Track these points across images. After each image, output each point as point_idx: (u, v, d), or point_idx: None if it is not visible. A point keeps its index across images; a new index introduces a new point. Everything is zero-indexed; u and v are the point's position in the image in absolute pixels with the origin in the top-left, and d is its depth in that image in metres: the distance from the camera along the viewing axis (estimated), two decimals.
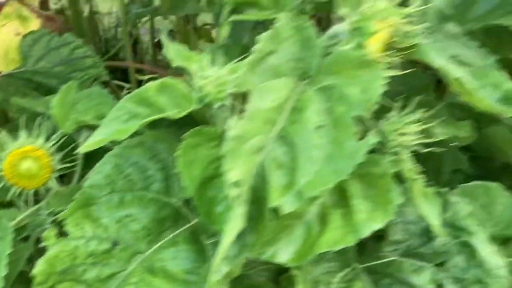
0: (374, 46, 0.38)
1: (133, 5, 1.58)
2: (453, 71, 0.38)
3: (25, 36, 0.70)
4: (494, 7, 0.59)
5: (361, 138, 0.34)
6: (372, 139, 0.34)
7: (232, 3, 0.44)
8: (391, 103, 0.41)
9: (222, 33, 0.44)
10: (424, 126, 0.41)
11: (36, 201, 0.54)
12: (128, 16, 1.36)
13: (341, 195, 0.38)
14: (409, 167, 0.40)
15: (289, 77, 0.37)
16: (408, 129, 0.40)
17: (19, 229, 0.51)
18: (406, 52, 0.40)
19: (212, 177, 0.38)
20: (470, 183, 0.48)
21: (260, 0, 0.45)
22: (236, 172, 0.31)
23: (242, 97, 0.37)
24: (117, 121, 0.41)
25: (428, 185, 0.45)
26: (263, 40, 0.34)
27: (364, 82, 0.35)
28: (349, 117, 0.34)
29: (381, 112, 0.42)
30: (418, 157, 0.48)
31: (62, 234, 0.43)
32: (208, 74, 0.41)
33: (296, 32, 0.37)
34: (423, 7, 0.40)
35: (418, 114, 0.41)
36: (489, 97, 0.41)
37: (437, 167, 0.61)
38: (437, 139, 0.42)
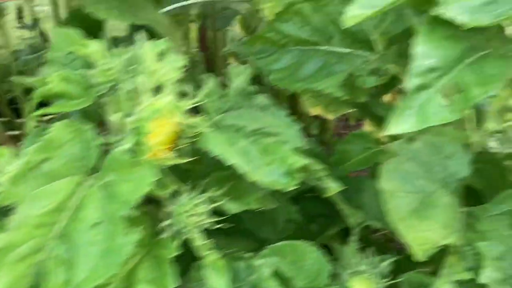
0: (155, 141, 0.42)
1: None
2: (228, 158, 0.43)
3: None
4: (315, 71, 0.65)
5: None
6: (136, 235, 0.38)
7: (40, 96, 0.47)
8: (181, 187, 0.45)
9: (29, 126, 0.46)
10: (213, 205, 0.45)
11: None
12: (16, 63, 1.35)
13: (130, 281, 0.41)
14: (200, 244, 0.44)
15: (72, 176, 0.40)
16: (197, 209, 0.44)
17: None
18: (192, 141, 0.44)
19: None
20: (278, 243, 0.53)
21: (69, 91, 0.47)
22: (1, 282, 0.34)
23: None
24: None
25: (234, 252, 0.50)
26: (29, 153, 0.37)
27: (136, 180, 0.39)
28: (120, 214, 0.38)
29: (176, 196, 0.46)
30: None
31: None
32: (8, 169, 0.43)
33: (76, 135, 0.40)
34: (203, 101, 0.45)
35: (209, 193, 0.46)
36: (272, 173, 0.46)
37: (272, 218, 0.66)
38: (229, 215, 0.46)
